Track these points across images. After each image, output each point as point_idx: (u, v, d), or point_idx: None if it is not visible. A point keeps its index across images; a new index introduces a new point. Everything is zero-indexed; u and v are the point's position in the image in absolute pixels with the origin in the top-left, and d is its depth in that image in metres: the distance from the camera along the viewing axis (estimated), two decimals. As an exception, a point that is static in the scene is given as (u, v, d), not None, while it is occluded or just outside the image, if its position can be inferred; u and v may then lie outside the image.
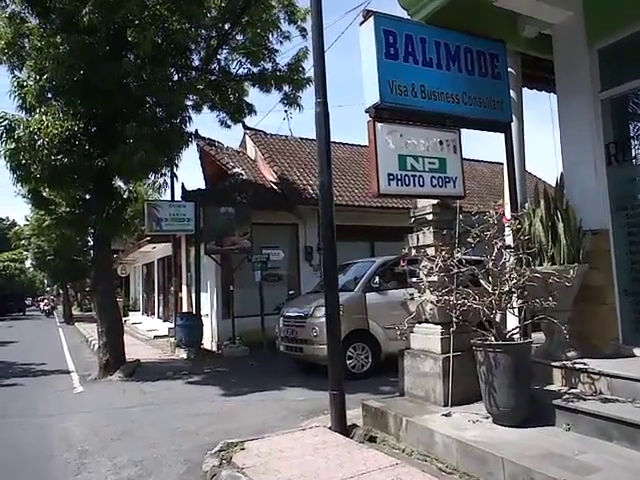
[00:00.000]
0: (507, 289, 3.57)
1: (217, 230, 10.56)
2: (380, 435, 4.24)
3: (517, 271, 3.59)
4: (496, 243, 3.68)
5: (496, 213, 3.79)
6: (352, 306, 7.36)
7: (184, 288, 13.82)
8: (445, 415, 3.98)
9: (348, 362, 7.19)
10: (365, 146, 15.96)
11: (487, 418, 3.79)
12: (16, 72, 8.19)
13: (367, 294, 7.64)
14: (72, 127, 8.02)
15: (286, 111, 11.82)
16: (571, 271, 3.77)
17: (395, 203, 13.23)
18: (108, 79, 7.55)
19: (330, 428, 4.54)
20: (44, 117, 7.57)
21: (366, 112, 4.19)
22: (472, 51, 4.61)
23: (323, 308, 7.29)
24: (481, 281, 3.85)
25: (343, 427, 4.49)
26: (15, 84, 7.74)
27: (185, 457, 4.32)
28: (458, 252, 4.05)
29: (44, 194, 9.48)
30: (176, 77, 9.14)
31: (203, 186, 14.60)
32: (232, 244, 10.56)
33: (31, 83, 7.70)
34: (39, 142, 7.46)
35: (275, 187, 12.57)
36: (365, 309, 7.53)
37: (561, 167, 4.66)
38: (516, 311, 3.83)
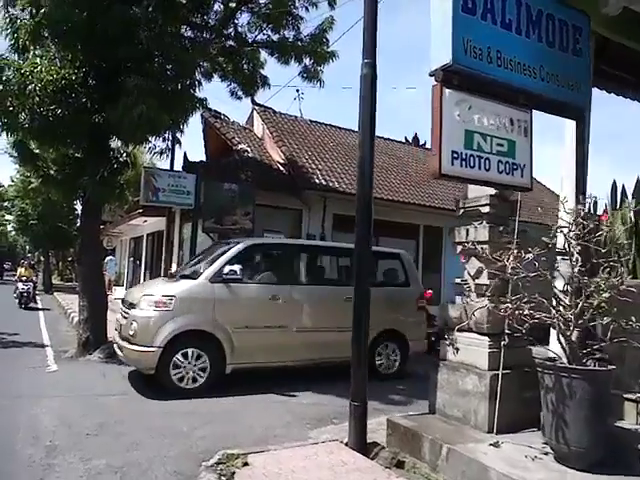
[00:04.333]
0: (596, 303, 2.90)
1: (218, 207, 9.76)
2: (409, 460, 3.60)
3: (609, 282, 2.93)
4: (587, 246, 3.01)
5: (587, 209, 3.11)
6: (190, 299, 5.72)
7: (174, 266, 13.00)
8: (493, 445, 3.34)
9: (173, 372, 5.51)
10: (386, 139, 15.44)
11: (546, 455, 3.15)
12: (10, 9, 7.28)
13: (216, 285, 5.86)
14: (69, 76, 7.15)
15: (298, 90, 11.02)
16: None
17: (406, 197, 12.57)
18: (115, 25, 6.67)
19: (347, 444, 3.89)
20: (38, 60, 6.71)
21: (431, 75, 3.46)
22: (555, 19, 3.90)
23: (151, 298, 5.70)
24: (555, 290, 3.19)
25: (362, 445, 3.86)
26: (7, 20, 6.84)
27: (175, 467, 3.61)
28: (526, 253, 3.37)
29: (32, 148, 8.59)
30: (190, 34, 8.30)
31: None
32: (233, 224, 9.78)
33: (26, 18, 6.79)
34: (30, 87, 6.59)
35: (282, 169, 11.79)
36: (212, 305, 5.77)
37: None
38: (599, 329, 3.19)
